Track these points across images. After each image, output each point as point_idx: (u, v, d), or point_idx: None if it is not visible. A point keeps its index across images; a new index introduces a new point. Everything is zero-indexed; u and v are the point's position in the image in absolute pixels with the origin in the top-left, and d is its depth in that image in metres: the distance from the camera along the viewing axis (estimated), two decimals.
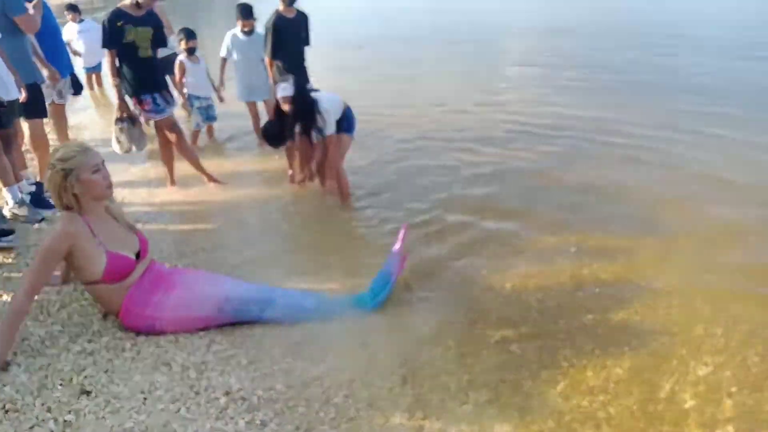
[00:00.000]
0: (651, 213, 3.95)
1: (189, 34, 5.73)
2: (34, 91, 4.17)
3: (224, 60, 5.90)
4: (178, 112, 4.85)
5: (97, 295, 2.65)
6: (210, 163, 5.17)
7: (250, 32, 5.63)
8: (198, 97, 5.92)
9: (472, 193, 4.49)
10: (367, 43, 11.86)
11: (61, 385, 2.24)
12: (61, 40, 5.05)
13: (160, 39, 4.39)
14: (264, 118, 5.47)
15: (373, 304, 2.91)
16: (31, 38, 4.19)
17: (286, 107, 4.12)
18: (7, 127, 3.74)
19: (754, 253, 3.44)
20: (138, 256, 2.68)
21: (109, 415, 2.10)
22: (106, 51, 4.23)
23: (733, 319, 2.76)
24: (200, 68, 5.88)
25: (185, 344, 2.59)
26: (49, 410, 2.10)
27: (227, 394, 2.27)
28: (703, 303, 2.88)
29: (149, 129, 5.01)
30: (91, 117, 7.88)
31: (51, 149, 3.92)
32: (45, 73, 4.32)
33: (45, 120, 4.44)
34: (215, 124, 6.23)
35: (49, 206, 4.03)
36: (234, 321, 2.75)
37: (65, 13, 8.29)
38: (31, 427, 2.01)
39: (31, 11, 3.98)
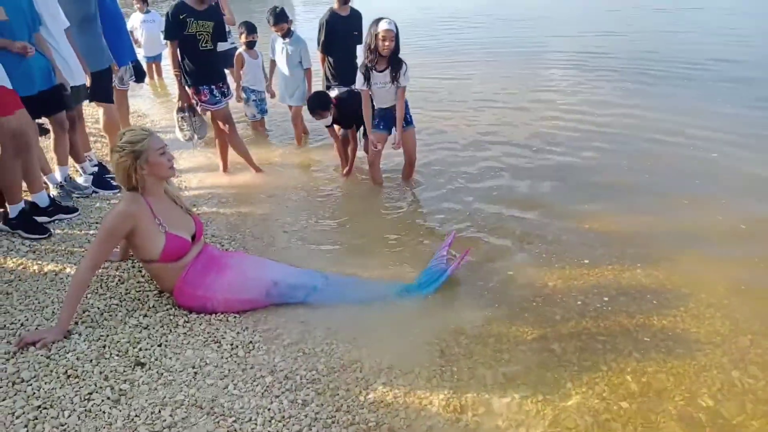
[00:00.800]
0: (700, 221, 3.83)
1: (250, 28, 5.82)
2: (103, 77, 4.39)
3: (273, 61, 5.92)
4: (233, 104, 5.00)
5: (154, 273, 2.79)
6: (258, 152, 5.35)
7: (285, 35, 5.55)
8: (254, 90, 6.09)
9: (527, 191, 4.45)
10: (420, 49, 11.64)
11: (117, 355, 2.37)
12: (124, 27, 5.20)
13: (220, 33, 4.53)
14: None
15: (418, 294, 2.96)
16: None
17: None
18: (71, 110, 3.94)
19: None
20: (193, 238, 2.80)
21: (161, 387, 2.21)
22: (168, 42, 4.40)
23: None
24: (257, 63, 6.01)
25: (234, 323, 2.70)
26: (106, 378, 2.23)
27: (272, 372, 2.36)
28: (751, 314, 2.80)
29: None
30: (149, 105, 8.19)
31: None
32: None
33: None
34: (265, 117, 6.42)
35: (110, 187, 4.25)
36: (279, 303, 2.85)
37: (134, 1, 8.62)
38: (90, 393, 2.14)
39: None
